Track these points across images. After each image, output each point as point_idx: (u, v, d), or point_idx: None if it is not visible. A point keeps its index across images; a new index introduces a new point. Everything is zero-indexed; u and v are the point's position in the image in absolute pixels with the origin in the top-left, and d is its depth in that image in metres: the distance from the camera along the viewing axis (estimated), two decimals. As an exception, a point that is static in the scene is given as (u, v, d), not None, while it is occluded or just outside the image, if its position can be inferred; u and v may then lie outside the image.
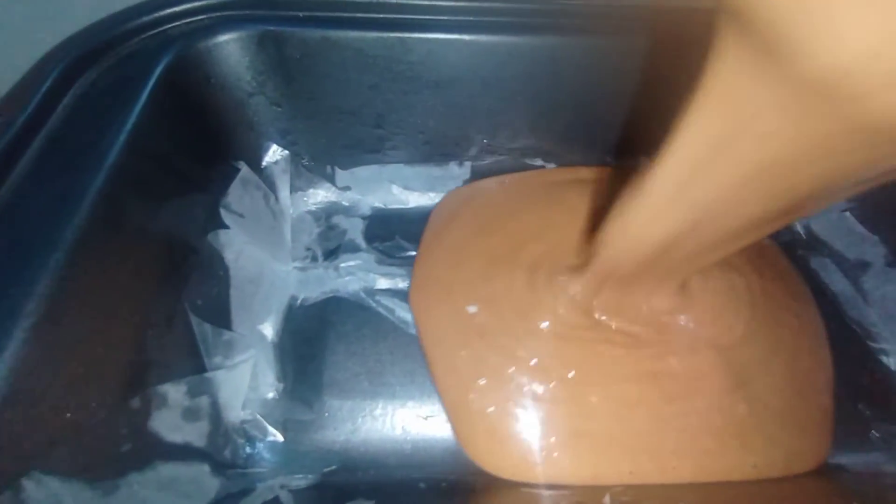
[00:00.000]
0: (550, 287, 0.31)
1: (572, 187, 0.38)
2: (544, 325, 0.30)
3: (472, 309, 0.31)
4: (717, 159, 0.19)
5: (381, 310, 0.32)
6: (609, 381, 0.28)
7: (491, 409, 0.28)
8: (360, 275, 0.34)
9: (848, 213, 0.36)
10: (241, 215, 0.31)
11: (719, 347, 0.29)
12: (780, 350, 0.30)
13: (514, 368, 0.28)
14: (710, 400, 0.28)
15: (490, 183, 0.39)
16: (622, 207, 0.24)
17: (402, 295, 0.33)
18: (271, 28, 0.30)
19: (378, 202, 0.38)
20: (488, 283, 0.32)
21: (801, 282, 0.34)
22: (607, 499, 0.24)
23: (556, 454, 0.26)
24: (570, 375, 0.28)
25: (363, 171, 0.38)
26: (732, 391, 0.28)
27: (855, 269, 0.35)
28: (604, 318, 0.30)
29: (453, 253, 0.34)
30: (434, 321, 0.31)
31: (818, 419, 0.28)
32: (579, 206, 0.37)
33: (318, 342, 0.31)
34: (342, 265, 0.34)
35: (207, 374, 0.26)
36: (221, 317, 0.29)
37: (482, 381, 0.28)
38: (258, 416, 0.27)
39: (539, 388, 0.28)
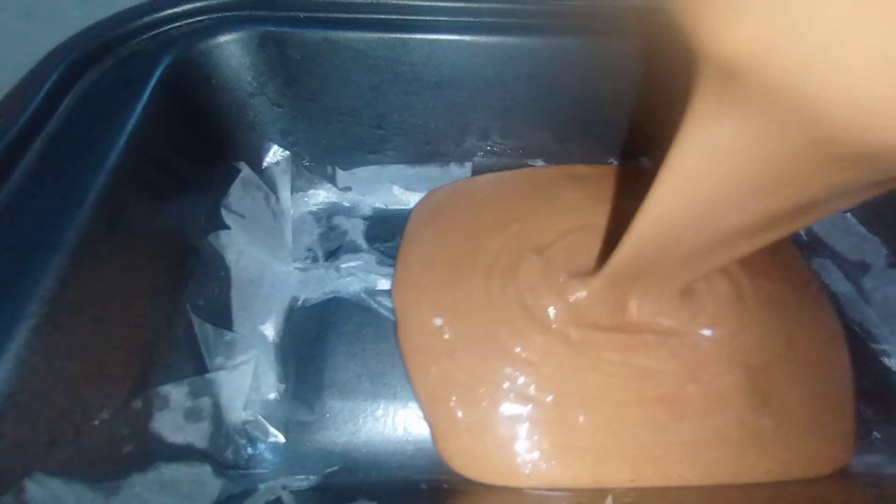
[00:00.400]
0: (504, 294, 0.31)
1: (557, 182, 0.38)
2: (517, 349, 0.29)
3: (438, 321, 0.30)
4: (716, 176, 0.19)
5: (382, 310, 0.32)
6: (601, 406, 0.27)
7: (465, 425, 0.27)
8: (362, 275, 0.34)
9: (849, 215, 0.36)
10: (242, 216, 0.31)
11: (752, 368, 0.28)
12: (813, 366, 0.29)
13: (483, 389, 0.28)
14: (729, 417, 0.27)
15: (476, 179, 0.38)
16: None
17: (404, 295, 0.33)
18: (272, 29, 0.30)
19: (379, 203, 0.38)
20: (452, 291, 0.31)
21: (820, 285, 0.34)
22: (610, 500, 0.24)
23: (544, 466, 0.26)
24: (548, 399, 0.27)
25: (364, 172, 0.38)
26: (756, 409, 0.27)
27: (856, 270, 0.35)
28: (605, 351, 0.29)
29: (427, 252, 0.34)
30: (408, 328, 0.31)
31: (842, 427, 0.27)
32: (557, 197, 0.36)
33: (320, 343, 0.31)
34: (343, 266, 0.34)
35: (209, 375, 0.26)
36: (223, 317, 0.29)
37: (453, 399, 0.27)
38: (259, 417, 0.27)
39: (514, 410, 0.27)
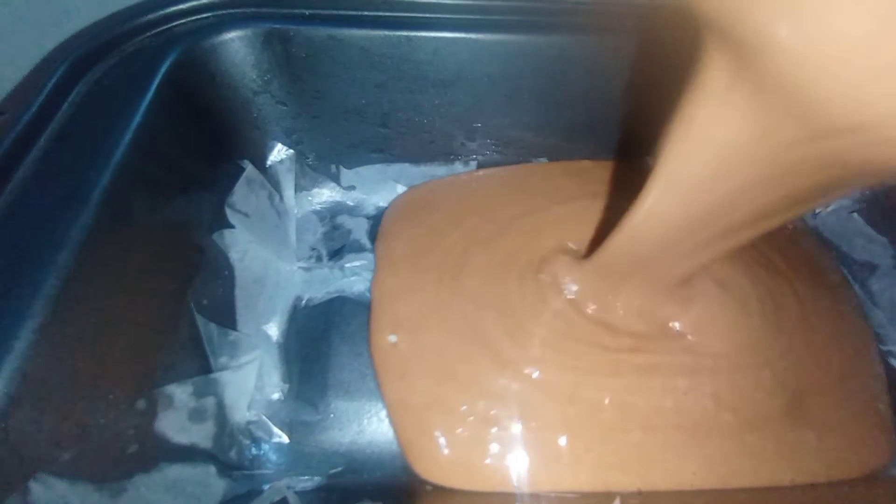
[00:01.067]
0: (451, 306, 0.29)
1: (537, 175, 0.37)
2: (467, 374, 0.27)
3: (392, 338, 0.29)
4: (714, 164, 0.19)
5: (386, 310, 0.32)
6: (590, 430, 0.25)
7: (427, 448, 0.26)
8: (366, 275, 0.34)
9: (856, 215, 0.36)
10: (246, 215, 0.31)
11: (804, 393, 0.27)
12: (860, 381, 0.28)
13: (439, 415, 0.26)
14: (767, 435, 0.25)
15: (456, 177, 0.38)
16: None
17: (408, 295, 0.33)
18: (277, 26, 0.30)
19: (383, 202, 0.38)
20: (406, 301, 0.30)
21: (847, 281, 0.33)
22: (618, 501, 0.23)
23: (532, 479, 0.25)
24: (515, 428, 0.26)
25: (368, 171, 0.37)
26: (800, 427, 0.26)
27: (863, 271, 0.35)
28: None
29: (395, 254, 0.33)
30: (371, 343, 0.29)
31: (881, 435, 0.27)
32: (529, 188, 0.35)
33: (324, 342, 0.31)
34: (347, 265, 0.34)
35: (213, 375, 0.25)
36: (227, 317, 0.29)
37: (411, 423, 0.26)
38: (263, 417, 0.27)
39: (475, 434, 0.26)
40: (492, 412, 0.26)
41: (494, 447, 0.25)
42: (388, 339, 0.29)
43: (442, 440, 0.26)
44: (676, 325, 0.28)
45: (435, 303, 0.30)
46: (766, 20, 0.14)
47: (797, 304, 0.30)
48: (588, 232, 0.33)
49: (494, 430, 0.26)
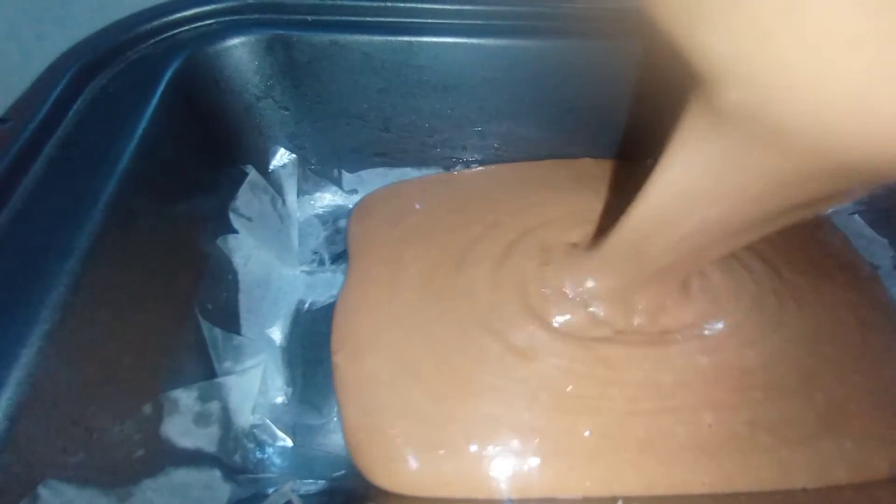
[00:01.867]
0: (391, 331, 0.28)
1: (507, 174, 0.37)
2: (398, 402, 0.26)
3: (336, 358, 0.28)
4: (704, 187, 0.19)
5: (389, 313, 0.32)
6: (570, 455, 0.24)
7: (380, 471, 0.25)
8: (368, 278, 0.34)
9: (857, 216, 0.36)
10: (249, 219, 0.31)
11: (846, 411, 0.26)
12: (889, 379, 0.27)
13: (392, 443, 0.25)
14: (802, 446, 0.24)
15: (421, 179, 0.37)
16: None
17: (410, 299, 0.33)
18: (280, 32, 0.30)
19: (385, 205, 0.38)
20: (346, 319, 0.29)
21: (878, 276, 0.33)
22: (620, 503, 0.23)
23: (515, 488, 0.24)
24: (472, 449, 0.25)
25: (370, 174, 0.38)
26: (835, 438, 0.25)
27: (863, 273, 0.35)
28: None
29: (355, 262, 0.32)
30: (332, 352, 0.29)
31: None
32: (501, 186, 0.35)
33: (327, 346, 0.30)
34: (349, 269, 0.34)
35: (218, 380, 0.26)
36: (231, 321, 0.29)
37: (354, 440, 0.26)
38: (267, 421, 0.27)
39: (422, 456, 0.25)
40: (437, 444, 0.25)
41: (448, 467, 0.25)
42: (334, 358, 0.28)
43: (389, 458, 0.25)
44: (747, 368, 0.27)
45: (373, 325, 0.29)
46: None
47: (858, 326, 0.29)
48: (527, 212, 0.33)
49: (441, 452, 0.25)
